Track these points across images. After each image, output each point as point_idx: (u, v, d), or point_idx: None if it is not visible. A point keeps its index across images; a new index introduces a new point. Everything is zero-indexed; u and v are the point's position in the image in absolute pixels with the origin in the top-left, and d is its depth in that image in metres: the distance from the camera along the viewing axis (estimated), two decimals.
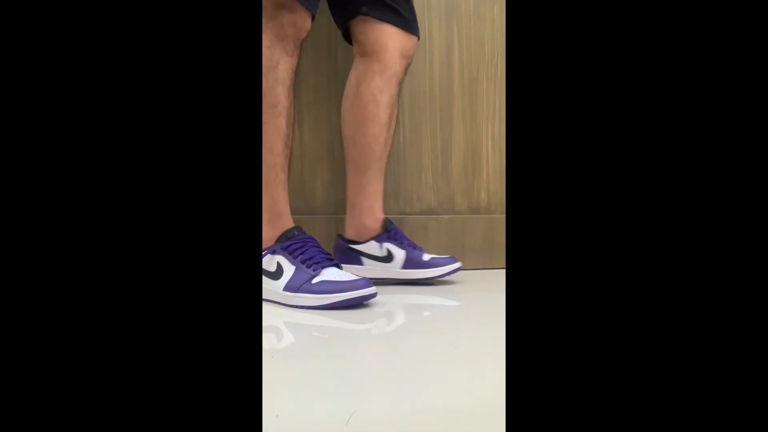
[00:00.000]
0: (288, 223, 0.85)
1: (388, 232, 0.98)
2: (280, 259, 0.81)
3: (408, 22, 0.95)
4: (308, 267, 0.80)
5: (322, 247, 0.85)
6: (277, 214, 0.84)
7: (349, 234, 0.99)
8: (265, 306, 0.80)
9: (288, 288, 0.78)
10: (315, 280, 0.78)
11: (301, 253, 0.81)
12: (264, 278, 0.82)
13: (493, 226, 1.15)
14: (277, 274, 0.80)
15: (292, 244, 0.82)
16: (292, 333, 0.63)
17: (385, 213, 1.10)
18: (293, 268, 0.80)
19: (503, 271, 1.09)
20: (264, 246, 0.84)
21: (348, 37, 0.96)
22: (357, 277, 0.79)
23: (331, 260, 0.82)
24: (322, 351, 0.55)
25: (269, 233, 0.84)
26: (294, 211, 0.87)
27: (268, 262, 0.82)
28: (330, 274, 0.79)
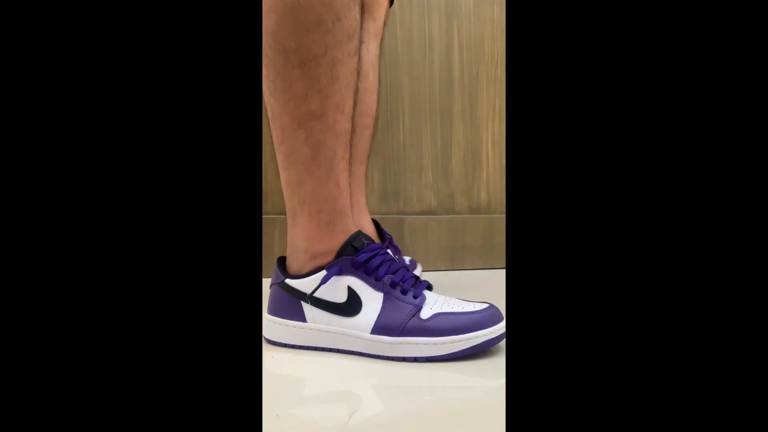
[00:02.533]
0: (351, 225, 0.55)
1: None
2: (354, 282, 0.52)
3: None
4: (404, 293, 0.52)
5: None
6: (339, 213, 0.54)
7: None
8: (335, 367, 0.50)
9: (382, 329, 0.50)
10: (425, 314, 0.50)
11: (387, 271, 0.52)
12: (322, 315, 0.53)
13: (493, 226, 1.15)
14: (351, 306, 0.52)
15: (370, 257, 0.53)
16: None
17: (385, 213, 1.10)
18: (380, 296, 0.51)
19: (503, 271, 1.09)
20: (314, 260, 0.54)
21: None
22: (477, 303, 0.53)
23: (419, 279, 0.56)
24: (322, 351, 0.55)
25: (328, 242, 0.53)
26: None
27: (333, 289, 0.52)
28: (435, 301, 0.52)
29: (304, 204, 0.53)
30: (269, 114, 0.51)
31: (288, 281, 0.55)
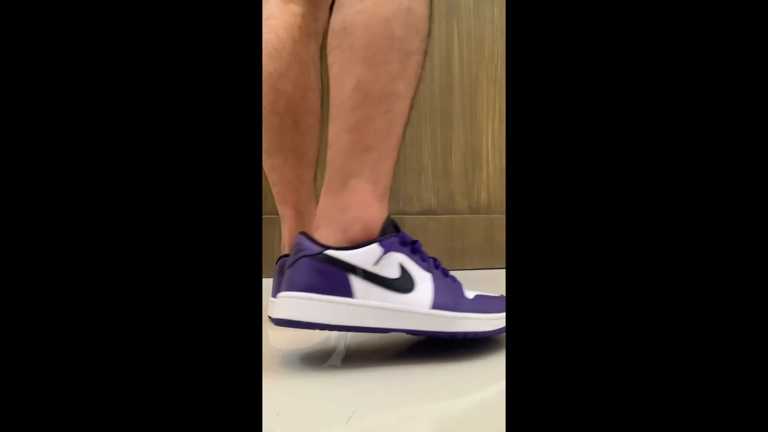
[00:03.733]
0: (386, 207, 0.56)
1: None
2: (404, 259, 0.51)
3: None
4: (445, 275, 0.53)
5: None
6: (388, 191, 0.55)
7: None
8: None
9: (442, 305, 0.50)
10: (469, 295, 0.53)
11: (425, 255, 0.54)
12: (376, 290, 0.50)
13: (493, 226, 1.15)
14: (405, 283, 0.50)
15: (410, 239, 0.53)
16: (292, 332, 0.63)
17: None
18: (428, 275, 0.51)
19: (503, 271, 1.09)
20: (367, 230, 0.52)
21: None
22: (486, 293, 0.57)
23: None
24: (322, 350, 0.55)
25: (378, 215, 0.53)
26: None
27: (387, 264, 0.50)
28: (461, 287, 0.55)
29: (365, 170, 0.52)
30: (355, 81, 0.53)
31: (332, 253, 0.49)
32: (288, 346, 0.58)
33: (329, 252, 0.49)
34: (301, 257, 0.50)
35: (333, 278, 0.48)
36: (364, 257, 0.50)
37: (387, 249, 0.50)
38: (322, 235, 0.52)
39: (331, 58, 0.55)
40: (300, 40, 0.69)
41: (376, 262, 0.49)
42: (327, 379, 0.47)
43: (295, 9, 0.70)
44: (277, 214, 1.03)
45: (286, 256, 0.68)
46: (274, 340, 0.59)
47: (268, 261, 1.01)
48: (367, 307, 0.49)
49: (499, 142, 1.15)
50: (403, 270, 0.50)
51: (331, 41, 0.55)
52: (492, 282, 1.01)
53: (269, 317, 0.66)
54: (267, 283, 0.70)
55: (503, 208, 1.16)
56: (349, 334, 0.62)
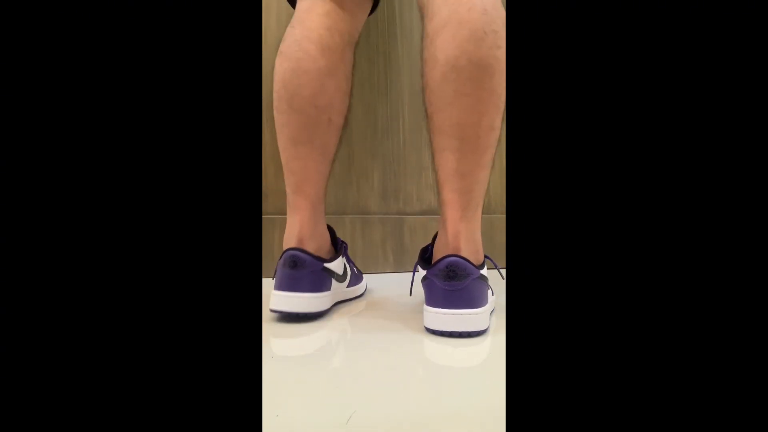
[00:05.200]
0: None
1: None
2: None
3: None
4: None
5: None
6: None
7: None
8: None
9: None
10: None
11: None
12: (491, 294, 0.69)
13: (493, 226, 1.15)
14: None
15: None
16: (292, 332, 0.63)
17: (385, 213, 1.10)
18: None
19: (503, 271, 1.09)
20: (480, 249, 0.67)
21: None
22: None
23: None
24: (322, 350, 0.55)
25: None
26: None
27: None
28: None
29: (482, 198, 0.66)
30: (490, 122, 0.62)
31: (483, 272, 0.64)
32: (288, 346, 0.58)
33: (483, 272, 0.64)
34: (471, 279, 0.62)
35: (484, 291, 0.63)
36: (487, 270, 0.67)
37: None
38: (468, 255, 0.63)
39: (462, 88, 0.60)
40: (348, 45, 0.74)
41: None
42: (327, 379, 0.47)
43: (345, 16, 0.74)
44: (278, 213, 1.03)
45: (293, 249, 0.68)
46: (274, 340, 0.59)
47: (268, 261, 1.01)
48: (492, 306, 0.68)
49: (500, 142, 1.15)
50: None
51: (466, 73, 0.59)
52: (492, 282, 1.00)
53: (270, 309, 0.66)
54: (267, 284, 0.69)
55: (503, 208, 1.16)
56: (349, 334, 0.62)
